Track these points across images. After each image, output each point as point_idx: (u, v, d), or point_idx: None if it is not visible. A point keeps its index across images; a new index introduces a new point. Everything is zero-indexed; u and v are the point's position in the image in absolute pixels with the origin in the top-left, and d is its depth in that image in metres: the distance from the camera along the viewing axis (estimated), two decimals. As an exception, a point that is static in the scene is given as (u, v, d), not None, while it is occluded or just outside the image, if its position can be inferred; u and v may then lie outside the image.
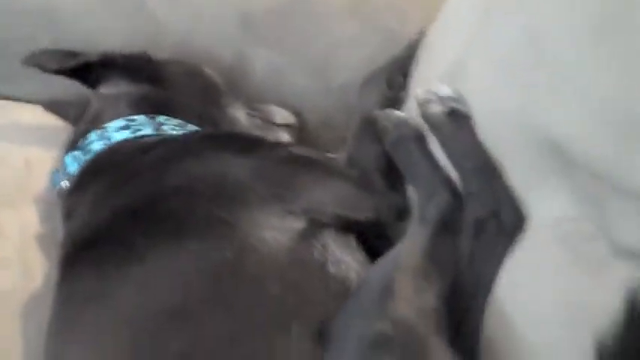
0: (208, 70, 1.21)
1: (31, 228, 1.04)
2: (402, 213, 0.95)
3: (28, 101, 1.29)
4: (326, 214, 0.91)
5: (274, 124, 1.22)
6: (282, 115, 1.23)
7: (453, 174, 0.87)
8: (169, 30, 1.26)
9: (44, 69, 1.13)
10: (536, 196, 0.78)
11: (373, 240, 0.95)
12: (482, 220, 0.81)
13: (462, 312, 0.79)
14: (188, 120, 1.09)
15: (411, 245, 0.82)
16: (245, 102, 1.23)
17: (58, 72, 1.14)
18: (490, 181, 0.81)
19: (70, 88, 1.21)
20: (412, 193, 0.95)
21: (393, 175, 0.97)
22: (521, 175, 0.80)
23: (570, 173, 0.74)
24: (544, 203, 0.77)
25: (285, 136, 1.21)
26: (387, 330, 0.71)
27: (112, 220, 0.90)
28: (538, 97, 0.75)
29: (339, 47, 1.25)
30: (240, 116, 1.19)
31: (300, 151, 1.01)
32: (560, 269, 0.74)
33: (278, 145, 1.07)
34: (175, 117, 1.09)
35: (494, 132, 0.83)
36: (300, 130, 1.26)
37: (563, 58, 0.72)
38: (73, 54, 1.15)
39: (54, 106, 1.26)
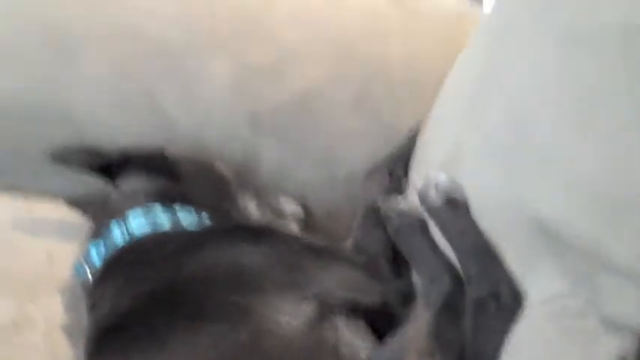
0: (220, 165, 1.28)
1: (56, 317, 1.09)
2: (407, 297, 1.00)
3: (48, 196, 1.35)
4: (336, 298, 0.96)
5: (283, 214, 1.28)
6: (290, 207, 1.29)
7: (454, 258, 0.93)
8: (182, 127, 1.33)
9: (67, 165, 1.21)
10: (530, 275, 0.83)
11: (380, 322, 1.00)
12: (482, 301, 0.85)
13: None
14: (202, 211, 1.16)
15: (416, 327, 0.87)
16: (254, 194, 1.29)
17: (81, 168, 1.22)
18: (487, 263, 0.87)
19: (88, 182, 1.28)
20: (416, 277, 1.00)
21: (397, 261, 1.03)
22: (515, 256, 0.85)
23: (560, 252, 0.78)
24: (537, 282, 0.82)
25: (293, 226, 1.27)
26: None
27: (134, 307, 0.96)
28: (525, 180, 0.81)
29: (343, 140, 1.32)
30: (250, 207, 1.25)
31: (309, 239, 1.07)
32: (552, 344, 0.79)
33: (288, 234, 1.13)
34: (190, 210, 1.15)
35: (488, 215, 0.89)
36: (307, 220, 1.31)
37: (546, 141, 0.78)
38: (93, 151, 1.23)
39: (74, 201, 1.32)
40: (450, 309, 0.88)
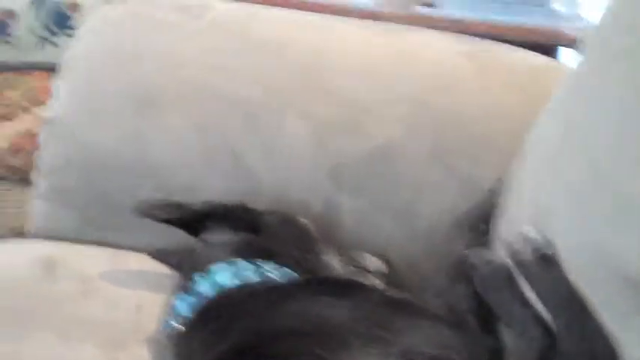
0: (302, 220, 1.29)
1: (144, 367, 1.11)
2: (496, 353, 0.98)
3: (135, 249, 1.38)
4: (422, 354, 0.95)
5: (366, 270, 1.28)
6: (373, 262, 1.29)
7: (544, 311, 0.92)
8: (264, 182, 1.36)
9: (152, 218, 1.24)
10: (627, 333, 0.81)
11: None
12: (574, 356, 0.84)
13: None
14: (285, 266, 1.17)
15: (509, 381, 0.86)
16: (337, 249, 1.29)
17: (164, 221, 1.25)
18: (579, 316, 0.85)
19: (172, 236, 1.31)
20: (504, 331, 0.99)
21: (484, 315, 1.02)
22: (607, 310, 0.83)
23: None
24: (635, 340, 0.80)
25: (376, 282, 1.26)
26: None
27: (222, 360, 0.97)
28: (610, 232, 0.80)
29: (422, 194, 1.32)
30: (333, 262, 1.25)
31: (394, 294, 1.07)
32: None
33: (372, 288, 1.13)
34: (273, 263, 1.16)
35: (578, 269, 0.88)
36: (389, 275, 1.30)
37: (628, 191, 0.78)
38: (177, 204, 1.27)
39: (158, 254, 1.36)
40: (541, 363, 0.87)
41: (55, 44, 2.49)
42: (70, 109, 1.45)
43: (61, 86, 1.47)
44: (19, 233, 1.85)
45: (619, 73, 0.86)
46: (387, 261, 1.32)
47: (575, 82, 1.02)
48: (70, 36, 2.42)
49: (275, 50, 1.43)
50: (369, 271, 1.28)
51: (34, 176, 1.49)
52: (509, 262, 0.97)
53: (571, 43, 1.89)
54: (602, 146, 0.84)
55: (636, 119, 0.80)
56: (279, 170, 1.36)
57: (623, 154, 0.80)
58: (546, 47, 1.70)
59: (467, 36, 1.48)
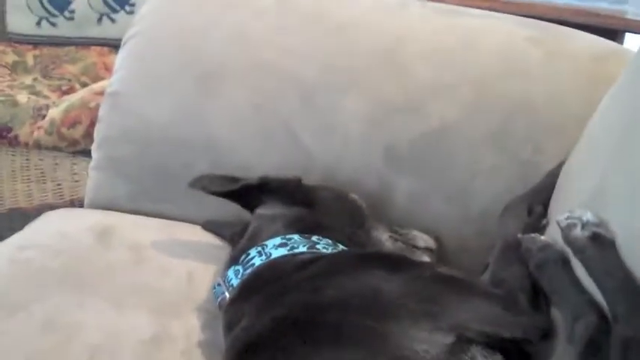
0: (354, 196, 1.29)
1: (195, 335, 1.12)
2: (546, 333, 0.97)
3: (187, 221, 1.41)
4: (473, 330, 0.94)
5: (415, 247, 1.28)
6: (423, 239, 1.29)
7: (598, 296, 0.90)
8: (318, 159, 1.37)
9: (208, 191, 1.25)
10: None
11: (515, 357, 0.98)
12: (629, 341, 0.81)
13: None
14: (337, 240, 1.18)
15: (562, 363, 0.85)
16: (387, 226, 1.30)
17: (220, 194, 1.25)
18: (635, 302, 0.83)
19: (223, 209, 1.33)
20: (556, 314, 0.98)
21: (536, 296, 1.01)
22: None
23: None
24: None
25: (426, 259, 1.26)
26: None
27: (273, 329, 0.98)
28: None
29: (478, 176, 1.32)
30: (384, 239, 1.26)
31: (445, 270, 1.06)
32: None
33: (424, 264, 1.13)
34: (326, 237, 1.17)
35: (636, 253, 0.86)
36: (439, 254, 1.31)
37: None
38: (232, 178, 1.27)
39: (211, 226, 1.38)
40: (594, 347, 0.85)
41: (113, 20, 2.53)
42: (131, 83, 1.47)
43: (122, 60, 1.50)
44: (75, 203, 1.90)
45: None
46: (436, 238, 1.31)
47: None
48: (129, 13, 2.47)
49: (340, 30, 1.43)
50: (419, 248, 1.28)
51: (91, 148, 1.51)
52: (564, 245, 0.96)
53: (637, 29, 1.87)
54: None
55: None
56: (333, 148, 1.37)
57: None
58: (612, 32, 1.67)
59: (532, 19, 1.46)
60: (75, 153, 1.99)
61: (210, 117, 1.41)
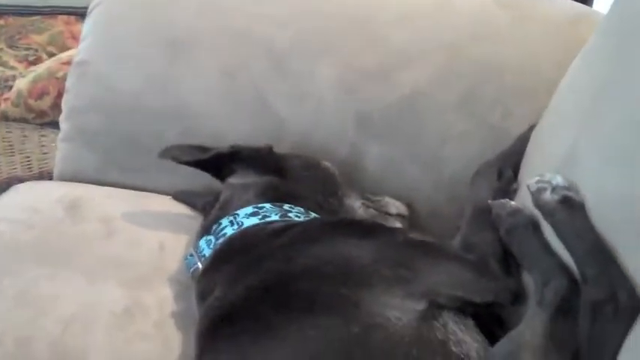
0: (326, 163, 1.29)
1: (167, 306, 1.12)
2: (517, 297, 0.98)
3: (158, 192, 1.40)
4: (445, 296, 0.95)
5: (388, 213, 1.28)
6: (395, 206, 1.29)
7: (567, 259, 0.91)
8: (290, 126, 1.36)
9: (178, 161, 1.24)
10: None
11: (487, 321, 0.99)
12: (599, 303, 0.82)
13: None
14: (309, 208, 1.17)
15: (532, 326, 0.85)
16: (360, 193, 1.30)
17: (191, 164, 1.24)
18: (605, 264, 0.84)
19: (194, 179, 1.32)
20: (527, 278, 0.99)
21: (507, 260, 1.01)
22: (634, 258, 0.82)
23: None
24: None
25: (398, 225, 1.27)
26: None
27: (246, 298, 0.98)
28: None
29: (449, 142, 1.32)
30: (356, 206, 1.26)
31: (417, 236, 1.06)
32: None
33: (396, 230, 1.14)
34: (298, 205, 1.17)
35: (606, 216, 0.87)
36: (411, 220, 1.31)
37: None
38: (203, 148, 1.26)
39: (182, 196, 1.37)
40: (565, 310, 0.86)
41: (80, -13, 2.48)
42: (98, 52, 1.44)
43: (89, 29, 1.46)
44: (44, 175, 1.88)
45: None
46: (408, 205, 1.32)
47: (610, 32, 1.00)
48: (96, -20, 2.42)
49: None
50: (391, 215, 1.28)
51: (59, 119, 1.49)
52: (534, 209, 0.96)
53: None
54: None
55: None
56: (306, 115, 1.36)
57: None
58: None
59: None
60: (43, 125, 1.95)
61: (180, 85, 1.38)
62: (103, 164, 1.44)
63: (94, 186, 1.41)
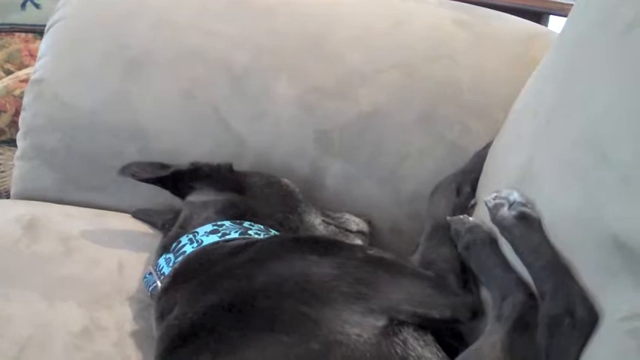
0: (286, 181, 1.29)
1: (126, 325, 1.11)
2: (476, 312, 0.99)
3: (117, 210, 1.39)
4: (404, 312, 0.96)
5: (348, 230, 1.29)
6: (356, 223, 1.30)
7: (525, 275, 0.92)
8: (249, 145, 1.36)
9: (137, 178, 1.23)
10: (605, 292, 0.81)
11: (447, 337, 1.00)
12: (556, 318, 0.84)
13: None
14: (269, 226, 1.18)
15: (490, 340, 0.86)
16: (320, 210, 1.30)
17: (151, 181, 1.24)
18: (561, 279, 0.85)
19: (154, 197, 1.32)
20: (485, 293, 1.00)
21: (465, 276, 1.02)
22: (590, 273, 0.83)
23: (636, 269, 0.76)
24: (612, 299, 0.80)
25: (358, 242, 1.27)
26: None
27: (205, 317, 0.97)
28: (602, 198, 0.80)
29: (408, 159, 1.33)
30: (316, 223, 1.27)
31: (376, 252, 1.07)
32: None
33: (355, 247, 1.14)
34: (258, 223, 1.17)
35: (562, 232, 0.88)
36: (371, 237, 1.32)
37: (626, 160, 0.77)
38: (162, 165, 1.26)
39: (141, 214, 1.36)
40: (523, 325, 0.87)
41: (37, 5, 2.46)
42: (55, 70, 1.43)
43: (47, 47, 1.45)
44: (1, 194, 1.85)
45: (609, 42, 0.86)
46: (369, 222, 1.33)
47: (563, 50, 1.02)
48: (53, -2, 2.40)
49: (269, 14, 1.42)
50: (351, 231, 1.29)
51: (16, 137, 1.47)
52: (491, 225, 0.97)
53: (560, 11, 1.90)
54: (602, 117, 0.83)
55: (631, 79, 0.79)
56: (265, 134, 1.36)
57: (619, 126, 0.80)
58: (536, 14, 1.69)
59: (459, 2, 1.47)
60: (0, 143, 1.94)
61: (138, 104, 1.38)
62: (61, 182, 1.42)
63: (52, 204, 1.39)
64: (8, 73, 2.20)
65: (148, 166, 1.25)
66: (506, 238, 0.94)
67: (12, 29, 2.44)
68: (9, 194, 1.48)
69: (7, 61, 2.31)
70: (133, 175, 1.23)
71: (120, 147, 1.38)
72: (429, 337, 0.96)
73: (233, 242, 1.09)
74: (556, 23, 1.90)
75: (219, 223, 1.14)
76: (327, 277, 0.98)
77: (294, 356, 0.89)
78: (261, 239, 1.11)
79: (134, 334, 1.10)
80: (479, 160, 1.21)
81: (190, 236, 1.13)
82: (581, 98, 0.89)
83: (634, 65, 0.80)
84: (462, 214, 1.09)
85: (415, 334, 0.95)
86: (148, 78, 1.38)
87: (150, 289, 1.12)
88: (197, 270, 1.06)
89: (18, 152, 1.45)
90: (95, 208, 1.39)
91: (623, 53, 0.82)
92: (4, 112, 1.89)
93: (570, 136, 0.88)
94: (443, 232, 1.07)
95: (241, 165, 1.30)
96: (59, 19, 1.45)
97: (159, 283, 1.10)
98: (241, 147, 1.36)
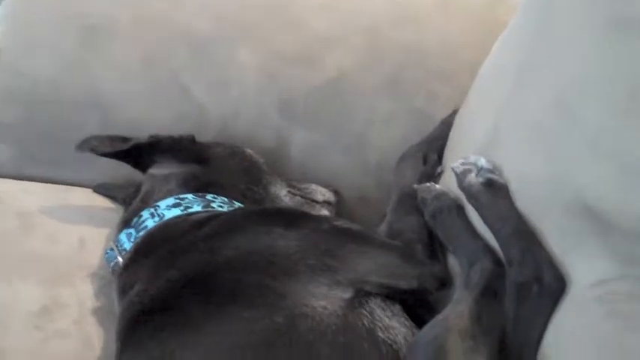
0: (250, 151, 1.27)
1: (87, 302, 1.09)
2: (444, 282, 0.98)
3: (77, 184, 1.35)
4: (371, 283, 0.94)
5: (314, 201, 1.27)
6: (322, 193, 1.28)
7: (492, 242, 0.91)
8: (212, 115, 1.33)
9: (97, 153, 1.19)
10: (573, 258, 0.81)
11: (416, 307, 0.99)
12: (524, 285, 0.83)
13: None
14: (233, 198, 1.15)
15: (458, 309, 0.85)
16: (285, 181, 1.28)
17: (110, 155, 1.20)
18: (529, 246, 0.85)
19: (115, 171, 1.29)
20: (453, 262, 0.99)
21: (433, 246, 1.01)
22: (558, 239, 0.83)
23: (604, 234, 0.76)
24: (580, 265, 0.80)
25: (325, 213, 1.26)
26: (444, 387, 0.74)
27: (167, 292, 0.95)
28: (569, 162, 0.80)
29: (374, 126, 1.31)
30: (281, 194, 1.24)
31: (343, 223, 1.05)
32: (602, 328, 0.76)
33: (321, 218, 1.12)
34: (221, 195, 1.14)
35: (529, 198, 0.88)
36: (338, 207, 1.30)
37: (593, 122, 0.77)
38: (122, 138, 1.22)
39: (102, 189, 1.33)
40: (491, 292, 0.87)
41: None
42: (12, 40, 1.37)
43: (2, 16, 1.39)
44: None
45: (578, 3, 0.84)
46: (335, 192, 1.31)
47: (533, 10, 1.00)
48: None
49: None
50: (318, 202, 1.27)
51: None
52: (458, 193, 0.96)
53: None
54: (568, 81, 0.82)
55: (598, 43, 0.78)
56: (227, 103, 1.33)
57: (589, 88, 0.79)
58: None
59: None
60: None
61: (97, 73, 1.33)
62: (19, 157, 1.37)
63: (10, 180, 1.34)
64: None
65: (108, 140, 1.21)
66: (473, 205, 0.93)
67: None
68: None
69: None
70: (92, 150, 1.19)
71: (80, 118, 1.33)
72: (397, 308, 0.95)
73: (196, 216, 1.07)
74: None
75: (181, 196, 1.12)
76: (293, 250, 0.96)
77: (258, 330, 0.87)
78: (224, 212, 1.08)
79: (95, 311, 1.08)
80: (445, 127, 1.19)
81: (152, 210, 1.10)
82: (550, 61, 0.88)
83: (603, 25, 0.78)
84: (428, 182, 1.07)
85: (382, 304, 0.94)
86: (108, 46, 1.34)
87: (111, 265, 1.09)
88: (159, 245, 1.03)
89: (-27, 127, 1.41)
90: (55, 183, 1.35)
91: (591, 13, 0.80)
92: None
93: (538, 100, 0.87)
94: (410, 202, 1.06)
95: (204, 136, 1.27)
96: (12, -15, 1.40)
97: (120, 259, 1.08)
98: (204, 116, 1.33)
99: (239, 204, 1.14)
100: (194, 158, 1.20)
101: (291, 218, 1.03)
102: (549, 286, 0.82)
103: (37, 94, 1.34)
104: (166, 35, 1.34)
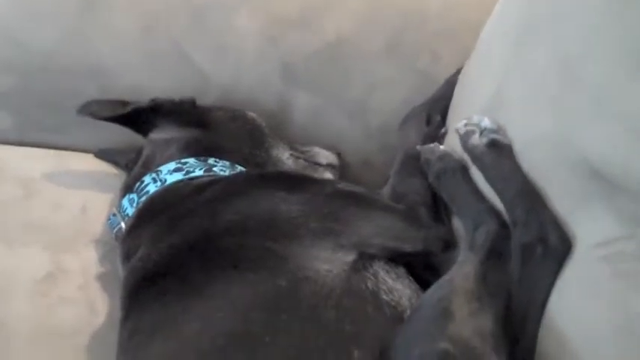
0: (252, 114, 1.26)
1: (91, 268, 1.09)
2: (448, 244, 0.98)
3: (79, 150, 1.35)
4: (375, 246, 0.94)
5: (317, 164, 1.26)
6: (325, 156, 1.27)
7: (497, 203, 0.90)
8: (213, 80, 1.31)
9: (97, 117, 1.18)
10: (578, 218, 0.81)
11: (420, 270, 0.99)
12: (529, 246, 0.83)
13: (517, 333, 0.82)
14: (235, 162, 1.14)
15: (463, 270, 0.85)
16: (288, 144, 1.27)
17: (110, 119, 1.18)
18: (534, 207, 0.84)
19: (117, 136, 1.27)
20: (457, 223, 0.98)
21: (437, 208, 1.00)
22: (563, 200, 0.83)
23: (610, 195, 0.76)
24: (586, 225, 0.79)
25: (328, 176, 1.25)
26: (449, 348, 0.74)
27: (171, 256, 0.95)
28: (574, 122, 0.79)
29: (376, 89, 1.30)
30: (284, 157, 1.24)
31: (346, 186, 1.04)
32: (608, 288, 0.76)
33: (324, 181, 1.11)
34: (223, 159, 1.13)
35: (533, 159, 0.87)
36: (342, 169, 1.30)
37: (598, 81, 0.75)
38: (123, 102, 1.20)
39: (104, 154, 1.33)
40: (496, 254, 0.86)
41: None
42: (8, 9, 1.36)
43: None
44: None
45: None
46: (338, 154, 1.30)
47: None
48: None
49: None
50: (321, 165, 1.26)
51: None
52: (462, 154, 0.95)
53: None
54: (572, 39, 0.80)
55: (602, 11, 0.77)
56: (228, 67, 1.31)
57: (590, 46, 0.77)
58: None
59: None
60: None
61: (96, 41, 1.31)
62: (20, 125, 1.37)
63: (10, 146, 1.34)
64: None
65: (108, 104, 1.20)
66: (478, 166, 0.93)
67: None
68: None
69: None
70: (92, 114, 1.18)
71: (79, 86, 1.32)
72: (401, 270, 0.95)
73: (197, 180, 1.06)
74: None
75: (182, 160, 1.11)
76: (295, 214, 0.95)
77: (260, 293, 0.87)
78: (226, 176, 1.08)
79: (99, 277, 1.08)
80: (448, 87, 1.17)
81: (153, 175, 1.09)
82: (551, 20, 0.86)
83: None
84: (432, 143, 1.06)
85: (386, 267, 0.94)
86: (107, 14, 1.31)
87: (114, 230, 1.09)
88: (161, 210, 1.03)
89: (-27, 94, 1.40)
90: (56, 149, 1.35)
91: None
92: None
93: (540, 60, 0.86)
94: (413, 164, 1.05)
95: (205, 101, 1.26)
96: (8, -47, 1.38)
97: (123, 225, 1.07)
98: (205, 82, 1.31)
99: (241, 168, 1.13)
100: (195, 122, 1.19)
101: (294, 182, 1.02)
102: (554, 247, 0.82)
103: (35, 63, 1.32)
104: (165, 2, 1.32)
